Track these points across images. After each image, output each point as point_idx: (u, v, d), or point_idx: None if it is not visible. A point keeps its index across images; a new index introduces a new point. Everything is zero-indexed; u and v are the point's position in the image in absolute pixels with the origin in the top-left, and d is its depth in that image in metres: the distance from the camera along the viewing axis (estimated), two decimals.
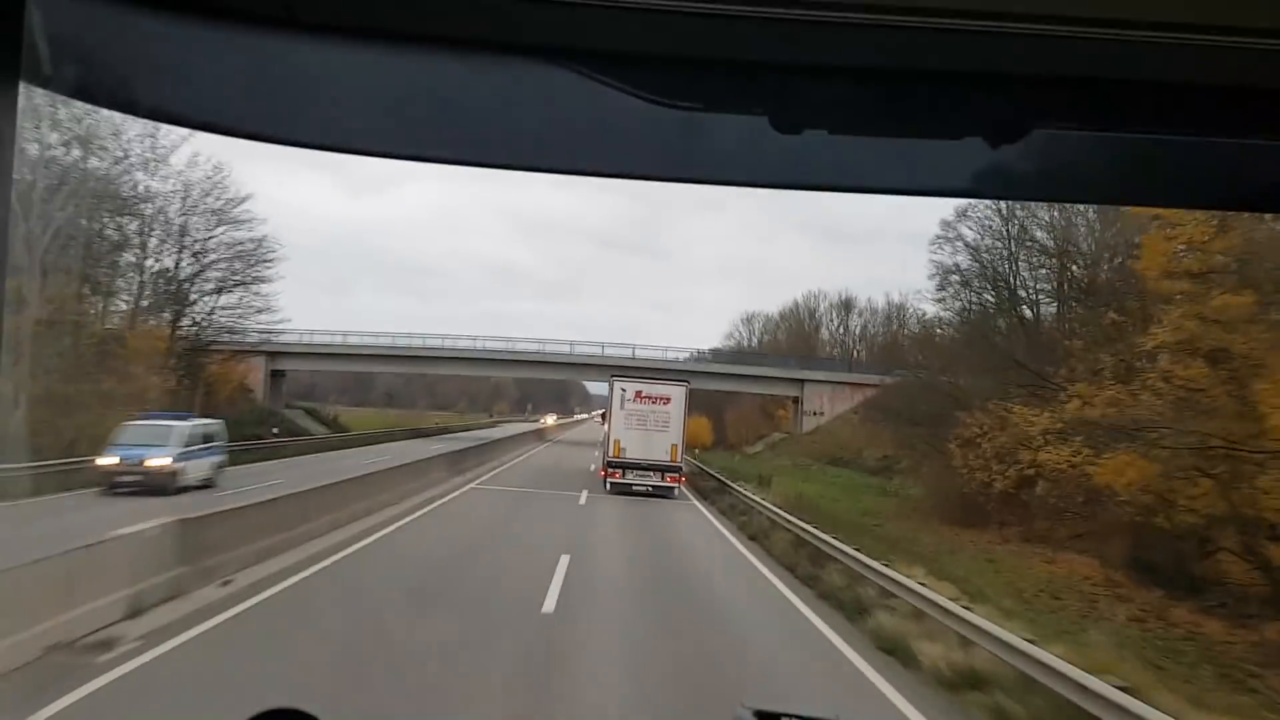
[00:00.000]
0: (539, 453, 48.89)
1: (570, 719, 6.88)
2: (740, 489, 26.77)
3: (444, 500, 22.55)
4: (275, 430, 41.93)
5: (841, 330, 74.64)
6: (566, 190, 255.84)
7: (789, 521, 18.64)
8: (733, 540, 19.91)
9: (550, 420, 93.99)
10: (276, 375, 57.09)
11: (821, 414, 58.37)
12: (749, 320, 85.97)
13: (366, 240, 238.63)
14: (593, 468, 31.21)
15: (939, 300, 40.89)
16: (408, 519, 18.48)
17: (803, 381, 58.83)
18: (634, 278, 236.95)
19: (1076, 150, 0.84)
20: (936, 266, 38.52)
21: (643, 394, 26.69)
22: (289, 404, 60.35)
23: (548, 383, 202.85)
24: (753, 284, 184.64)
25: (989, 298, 37.69)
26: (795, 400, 60.86)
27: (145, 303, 35.25)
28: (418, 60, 0.77)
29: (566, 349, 58.46)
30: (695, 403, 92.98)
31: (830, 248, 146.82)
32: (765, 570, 15.65)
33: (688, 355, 60.91)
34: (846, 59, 0.74)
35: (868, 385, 58.45)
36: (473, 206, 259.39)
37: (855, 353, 72.73)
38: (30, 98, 0.78)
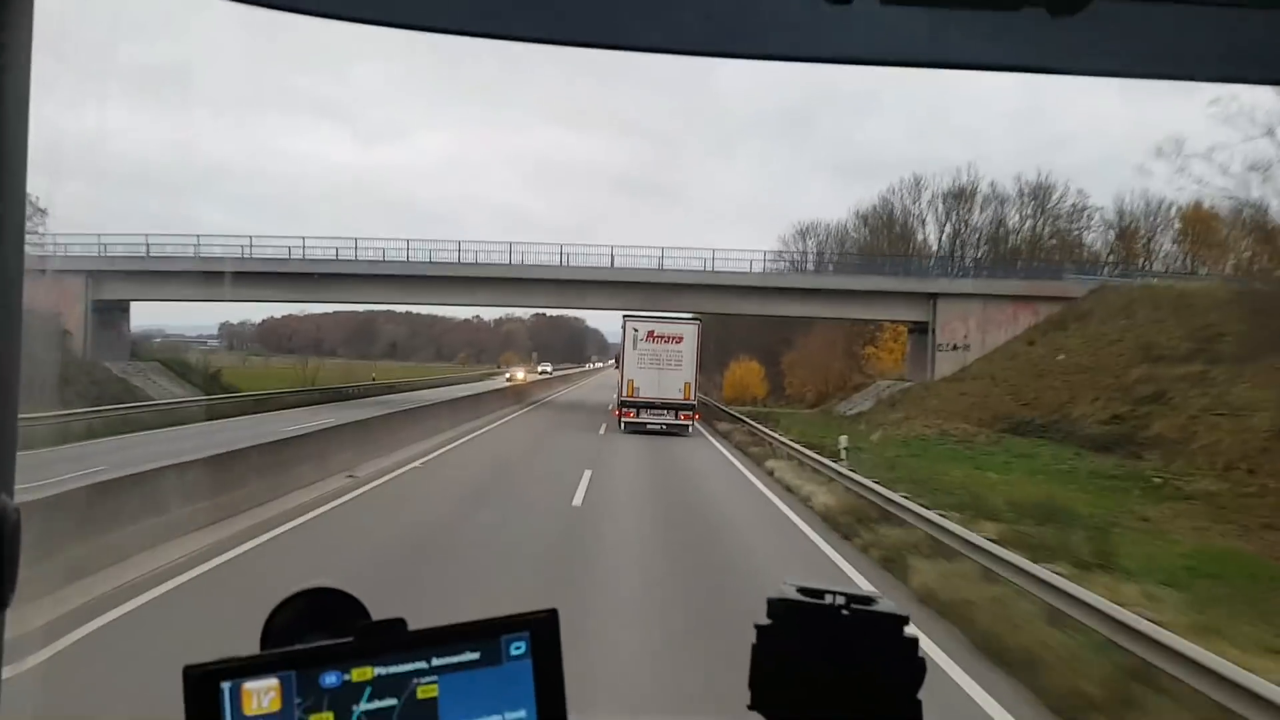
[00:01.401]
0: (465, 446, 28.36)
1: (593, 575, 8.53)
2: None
3: None
4: None
5: (962, 228, 52.42)
6: (580, 133, 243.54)
7: None
8: None
9: (519, 375, 59.03)
10: (107, 309, 36.41)
11: (966, 346, 36.80)
12: (804, 233, 64.05)
13: (377, 191, 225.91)
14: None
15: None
16: None
17: (934, 297, 37.17)
18: (650, 222, 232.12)
19: (1143, 22, 0.79)
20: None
21: (654, 333, 26.56)
22: (140, 353, 39.79)
23: (561, 331, 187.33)
24: (774, 223, 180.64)
25: None
26: (916, 328, 39.35)
27: None
28: None
29: (585, 263, 37.48)
30: (738, 341, 68.79)
31: (850, 183, 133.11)
32: None
33: (746, 268, 39.29)
34: None
35: (1046, 298, 36.66)
36: (484, 153, 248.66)
37: (974, 259, 50.81)
38: None
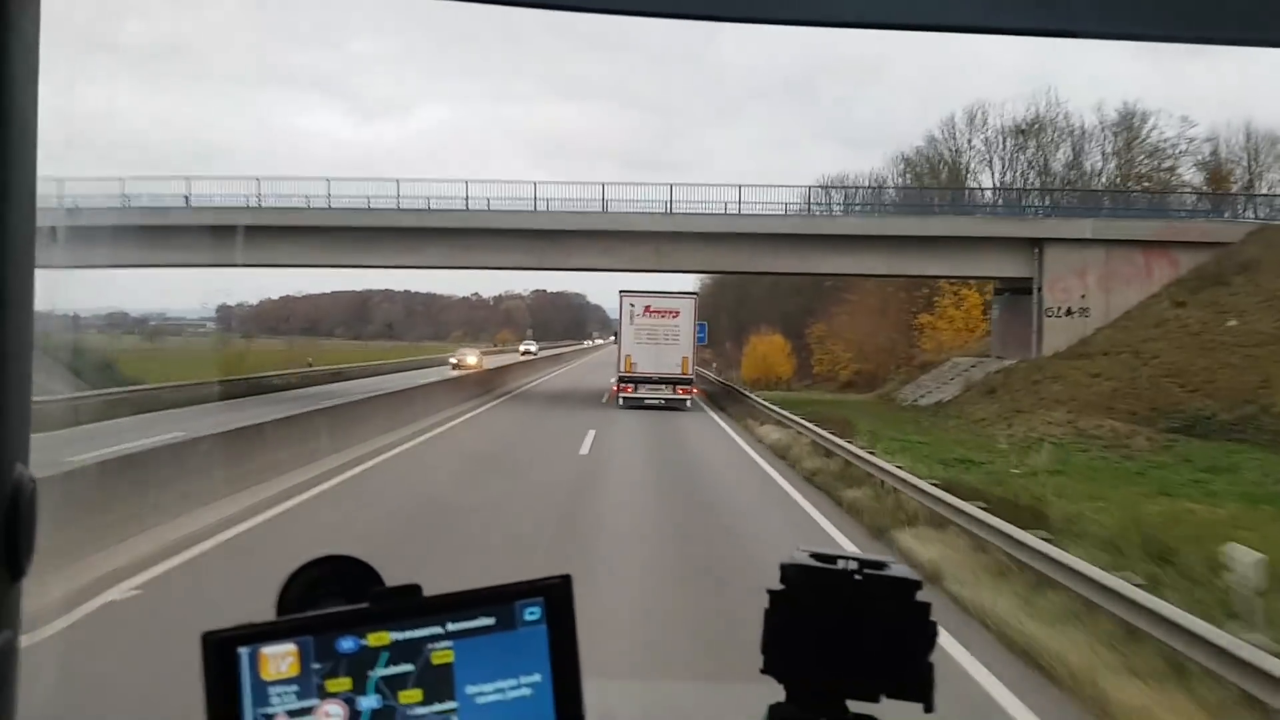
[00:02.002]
0: None
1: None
2: None
3: None
4: None
5: (1038, 165, 42.75)
6: (579, 106, 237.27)
7: None
8: None
9: (470, 360, 45.04)
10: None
11: (1084, 311, 27.27)
12: (831, 186, 54.14)
13: (378, 168, 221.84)
14: None
15: None
16: None
17: (1039, 244, 27.49)
18: (650, 194, 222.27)
19: None
20: None
21: (651, 308, 26.23)
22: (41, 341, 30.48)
23: (561, 308, 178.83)
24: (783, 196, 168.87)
25: None
26: (1008, 287, 29.85)
27: None
28: None
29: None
30: (753, 311, 59.91)
31: (853, 153, 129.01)
32: None
33: (783, 209, 29.43)
34: None
35: (1188, 244, 27.22)
36: (486, 128, 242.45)
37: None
38: None
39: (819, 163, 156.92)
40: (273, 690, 0.71)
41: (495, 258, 28.57)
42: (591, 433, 18.51)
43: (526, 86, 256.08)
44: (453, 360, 44.52)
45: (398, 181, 28.02)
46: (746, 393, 29.47)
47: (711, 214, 28.10)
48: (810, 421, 18.10)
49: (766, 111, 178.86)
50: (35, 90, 0.78)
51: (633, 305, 26.28)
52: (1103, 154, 45.04)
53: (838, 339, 50.90)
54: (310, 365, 37.73)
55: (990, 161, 46.25)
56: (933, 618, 0.90)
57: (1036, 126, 46.51)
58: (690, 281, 58.69)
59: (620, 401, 25.79)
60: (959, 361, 31.67)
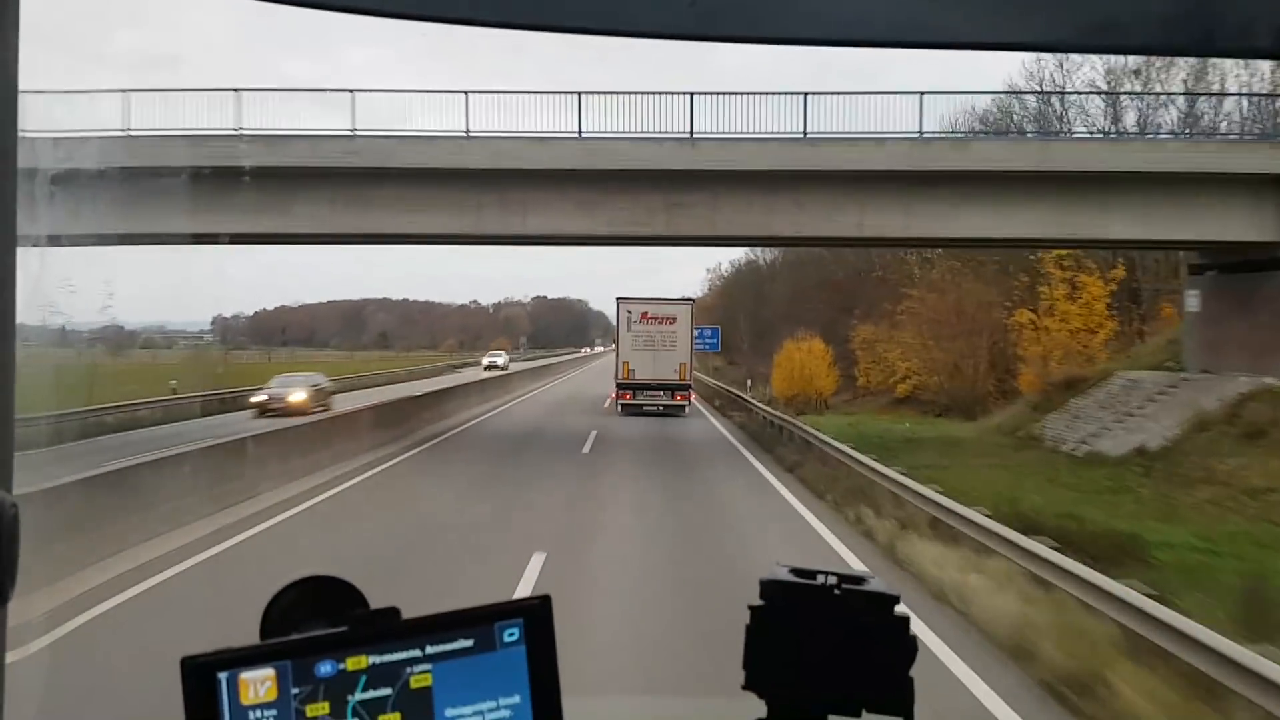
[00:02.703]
0: None
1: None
2: None
3: None
4: None
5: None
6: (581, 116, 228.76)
7: None
8: None
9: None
10: None
11: None
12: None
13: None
14: None
15: None
16: None
17: None
18: (658, 123, 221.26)
19: None
20: None
21: (648, 314, 26.43)
22: None
23: (562, 314, 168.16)
24: None
25: None
26: (1212, 266, 18.55)
27: None
28: None
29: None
30: (775, 313, 53.53)
31: None
32: None
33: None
34: None
35: None
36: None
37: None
38: None
39: None
40: (252, 715, 0.70)
41: (399, 219, 17.37)
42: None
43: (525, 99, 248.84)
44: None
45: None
46: (796, 425, 18.30)
47: (755, 137, 16.91)
48: (1003, 527, 7.12)
49: (764, 123, 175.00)
50: (15, 113, 0.77)
51: (629, 312, 26.36)
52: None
53: (893, 343, 39.82)
54: (174, 391, 26.54)
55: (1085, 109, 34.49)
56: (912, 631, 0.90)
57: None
58: (694, 283, 47.99)
59: (619, 408, 25.92)
60: (1137, 379, 20.29)
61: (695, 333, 28.25)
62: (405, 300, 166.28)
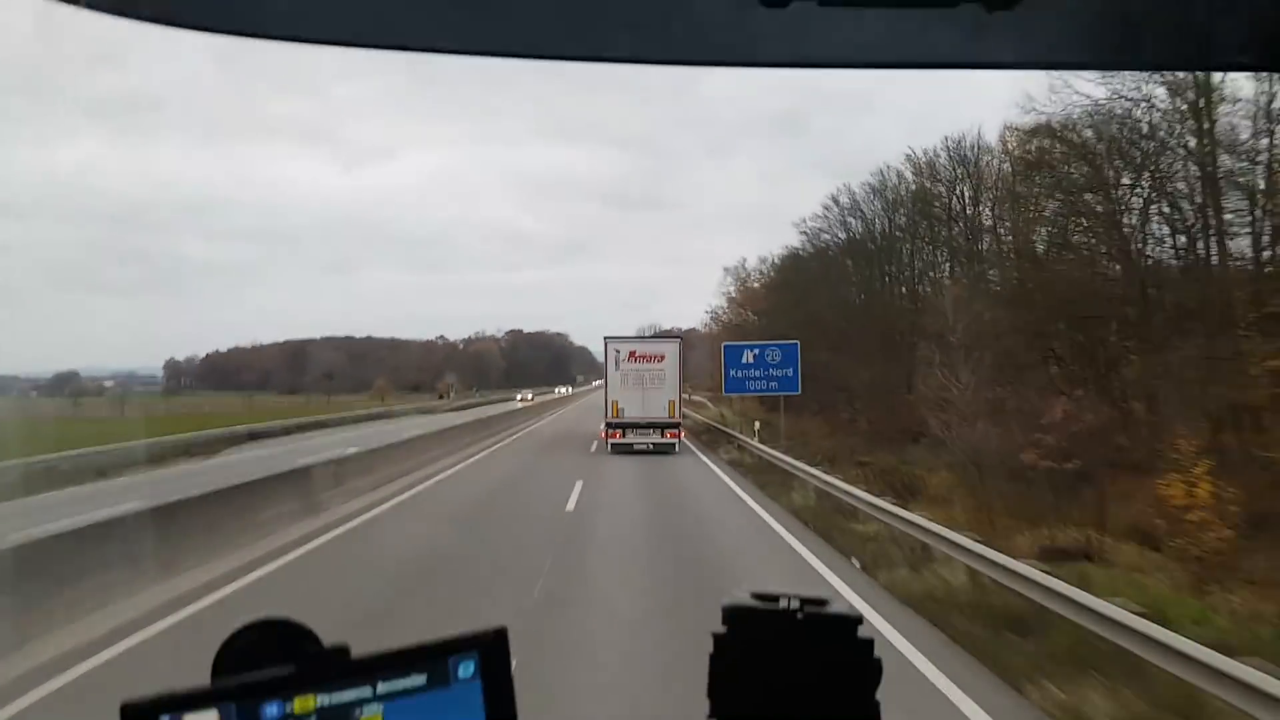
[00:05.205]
0: None
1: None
2: None
3: None
4: None
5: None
6: (568, 147, 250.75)
7: None
8: None
9: None
10: None
11: None
12: (875, 190, 40.25)
13: (366, 215, 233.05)
14: None
15: None
16: None
17: None
18: (643, 233, 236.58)
19: (1075, 12, 0.80)
20: None
21: (636, 353, 26.99)
22: None
23: (540, 349, 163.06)
24: (770, 230, 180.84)
25: None
26: None
27: None
28: None
29: None
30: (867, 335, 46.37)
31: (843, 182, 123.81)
32: None
33: None
34: None
35: None
36: (472, 172, 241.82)
37: None
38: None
39: (816, 194, 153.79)
40: None
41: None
42: None
43: (512, 129, 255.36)
44: None
45: None
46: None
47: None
48: None
49: (757, 146, 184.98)
50: None
51: (617, 351, 26.85)
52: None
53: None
54: None
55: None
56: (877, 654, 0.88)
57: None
58: (689, 317, 46.53)
59: (609, 447, 26.06)
60: None
61: (755, 356, 26.50)
62: (350, 338, 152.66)
